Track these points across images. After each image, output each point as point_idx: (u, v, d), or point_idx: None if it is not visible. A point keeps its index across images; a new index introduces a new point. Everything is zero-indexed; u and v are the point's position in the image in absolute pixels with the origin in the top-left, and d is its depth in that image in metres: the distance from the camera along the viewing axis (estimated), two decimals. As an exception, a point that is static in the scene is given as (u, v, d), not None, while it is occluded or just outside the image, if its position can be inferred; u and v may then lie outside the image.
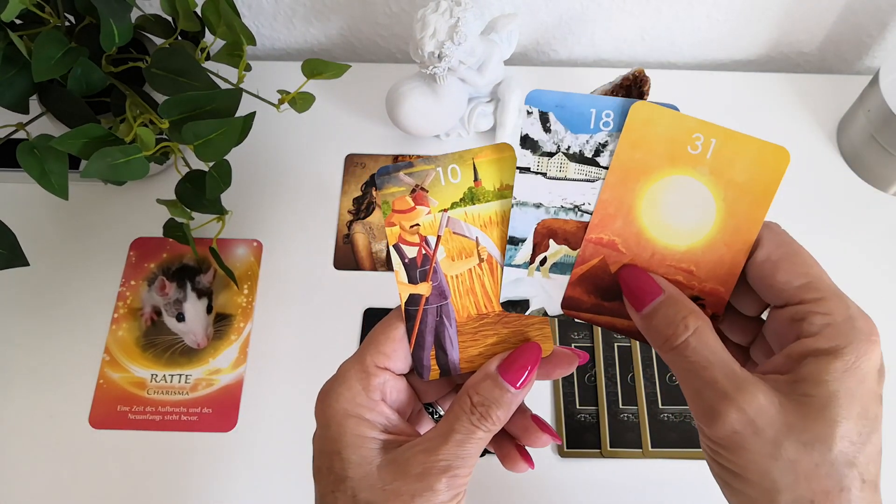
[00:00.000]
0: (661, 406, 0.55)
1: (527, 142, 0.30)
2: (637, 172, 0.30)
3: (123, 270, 0.61)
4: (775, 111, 0.70)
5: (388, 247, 0.30)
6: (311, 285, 0.61)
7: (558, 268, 0.31)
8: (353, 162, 0.67)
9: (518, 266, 0.32)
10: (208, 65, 0.55)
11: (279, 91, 0.54)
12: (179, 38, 0.55)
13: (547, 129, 0.30)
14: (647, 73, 0.62)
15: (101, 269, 0.61)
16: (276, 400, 0.56)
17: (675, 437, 0.54)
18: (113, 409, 0.55)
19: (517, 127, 0.68)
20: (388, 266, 0.62)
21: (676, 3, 0.70)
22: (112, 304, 0.59)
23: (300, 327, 0.59)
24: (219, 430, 0.55)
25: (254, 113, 0.52)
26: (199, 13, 0.54)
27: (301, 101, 0.55)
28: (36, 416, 0.55)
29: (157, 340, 0.58)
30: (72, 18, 0.53)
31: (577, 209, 0.31)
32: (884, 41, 0.74)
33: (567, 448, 0.54)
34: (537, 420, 0.33)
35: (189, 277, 0.60)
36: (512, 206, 0.31)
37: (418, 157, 0.30)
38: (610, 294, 0.31)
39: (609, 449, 0.53)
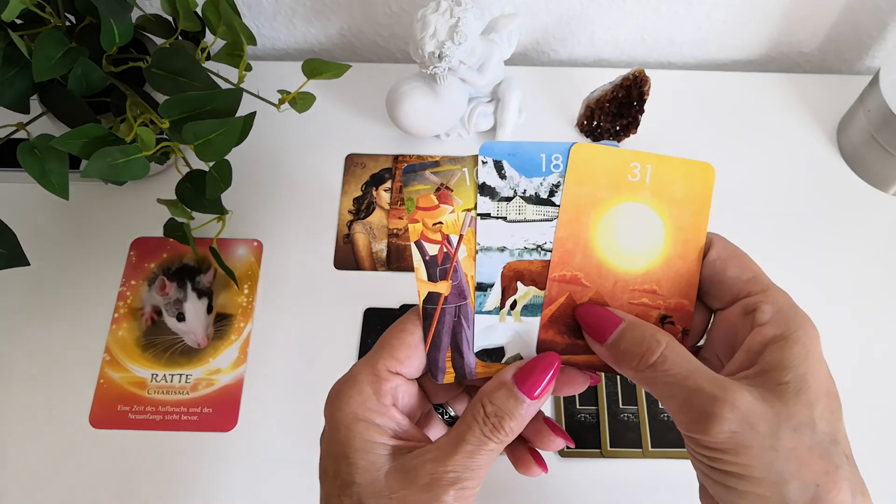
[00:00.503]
0: (661, 406, 0.55)
1: (485, 189, 0.31)
2: (587, 207, 0.31)
3: (124, 270, 0.61)
4: (775, 111, 0.71)
5: (408, 244, 0.32)
6: (312, 285, 0.61)
7: (529, 310, 0.32)
8: (353, 162, 0.67)
9: (489, 312, 0.32)
10: (208, 65, 0.55)
11: (279, 91, 0.55)
12: (180, 37, 0.55)
13: (502, 176, 0.31)
14: (647, 73, 0.62)
15: (102, 269, 0.61)
16: (277, 400, 0.56)
17: (675, 437, 0.54)
18: (113, 409, 0.55)
19: (517, 127, 0.68)
20: (388, 266, 0.62)
21: (676, 3, 0.70)
22: (112, 304, 0.59)
23: (300, 327, 0.59)
24: (219, 429, 0.55)
25: (254, 113, 0.52)
26: (200, 13, 0.54)
27: (301, 101, 0.55)
28: (36, 415, 0.55)
29: (158, 340, 0.58)
30: (72, 18, 0.53)
31: (539, 248, 0.32)
32: (884, 41, 0.74)
33: (567, 448, 0.54)
34: (550, 423, 0.33)
35: (189, 277, 0.60)
36: (476, 252, 0.32)
37: (444, 157, 0.32)
38: (582, 332, 0.32)
39: (609, 449, 0.53)
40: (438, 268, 0.32)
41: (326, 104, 0.69)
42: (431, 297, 0.32)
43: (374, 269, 0.62)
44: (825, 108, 0.70)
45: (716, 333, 0.31)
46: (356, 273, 0.61)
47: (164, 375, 0.56)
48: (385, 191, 0.65)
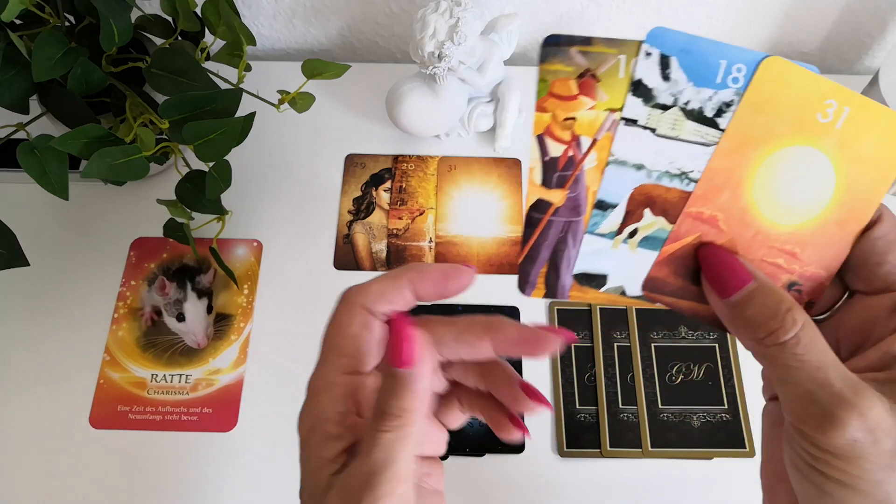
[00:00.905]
0: (660, 406, 0.55)
1: (639, 88, 0.25)
2: (756, 140, 0.25)
3: (123, 270, 0.61)
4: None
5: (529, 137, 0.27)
6: (311, 285, 0.61)
7: (649, 242, 0.27)
8: (353, 162, 0.67)
9: (602, 235, 0.27)
10: (208, 65, 0.55)
11: (279, 91, 0.55)
12: (179, 38, 0.56)
13: (666, 77, 0.25)
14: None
15: (102, 269, 0.61)
16: (276, 400, 0.56)
17: (675, 436, 0.54)
18: (113, 409, 0.55)
19: (517, 127, 0.68)
20: (388, 266, 0.62)
21: (676, 3, 0.70)
22: (112, 304, 0.59)
23: (300, 327, 0.59)
24: (219, 430, 0.55)
25: (254, 113, 0.52)
26: (199, 13, 0.54)
27: (301, 102, 0.55)
28: (36, 416, 0.55)
29: (158, 340, 0.58)
30: (72, 18, 0.53)
31: (684, 176, 0.26)
32: (883, 41, 0.74)
33: (567, 448, 0.54)
34: (526, 387, 0.29)
35: (189, 277, 0.60)
36: (608, 163, 0.26)
37: (602, 39, 0.24)
38: (700, 278, 0.28)
39: (609, 449, 0.53)
40: (558, 173, 0.27)
41: (326, 104, 0.69)
42: (540, 205, 0.27)
43: (374, 269, 0.62)
44: (825, 108, 0.70)
45: (847, 318, 0.27)
46: (356, 273, 0.61)
47: (164, 376, 0.56)
48: (385, 191, 0.65)
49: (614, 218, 0.27)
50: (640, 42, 0.25)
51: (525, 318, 0.59)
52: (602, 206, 0.27)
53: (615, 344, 0.58)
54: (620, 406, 0.55)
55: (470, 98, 0.66)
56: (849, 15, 0.71)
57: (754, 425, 0.55)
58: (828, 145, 0.26)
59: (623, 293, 0.28)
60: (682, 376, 0.56)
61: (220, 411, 0.55)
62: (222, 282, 0.60)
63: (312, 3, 0.71)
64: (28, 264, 0.50)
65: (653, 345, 0.58)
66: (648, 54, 0.25)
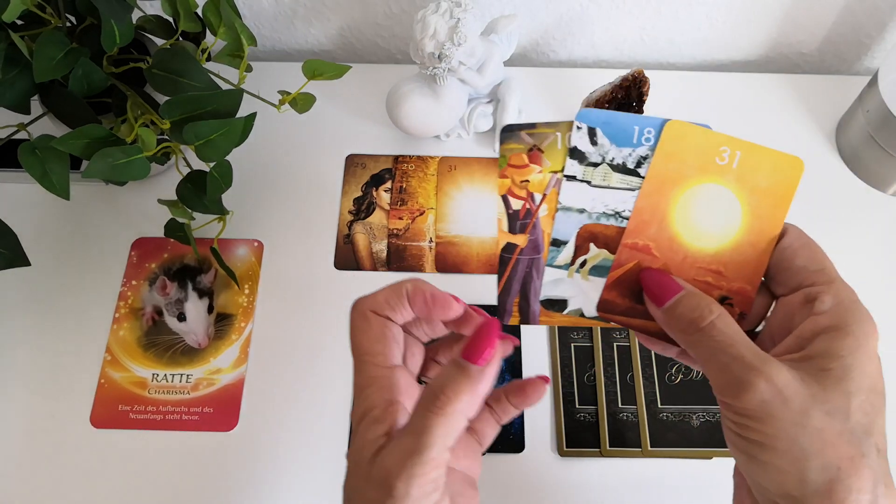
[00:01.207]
0: (660, 406, 0.55)
1: (575, 153, 0.33)
2: (671, 182, 0.32)
3: (125, 270, 0.61)
4: (774, 111, 0.71)
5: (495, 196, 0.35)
6: (312, 285, 0.61)
7: (597, 271, 0.34)
8: (353, 162, 0.67)
9: (559, 267, 0.34)
10: (209, 65, 0.55)
11: (280, 92, 0.55)
12: (180, 38, 0.56)
13: (594, 143, 0.33)
14: (647, 73, 0.62)
15: (103, 269, 0.61)
16: (277, 399, 0.56)
17: (675, 436, 0.54)
18: (114, 409, 0.55)
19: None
20: (388, 266, 0.62)
21: (676, 3, 0.70)
22: (113, 304, 0.59)
23: (301, 327, 0.59)
24: (220, 429, 0.55)
25: (255, 113, 0.52)
26: (200, 14, 0.55)
27: (302, 102, 0.55)
28: (37, 415, 0.55)
29: (159, 340, 0.58)
30: (73, 19, 0.53)
31: (617, 215, 0.33)
32: (883, 42, 0.74)
33: (566, 448, 0.54)
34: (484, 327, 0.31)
35: (190, 277, 0.60)
36: (557, 210, 0.33)
37: (542, 122, 0.33)
38: (642, 298, 0.33)
39: (608, 448, 0.54)
40: (519, 221, 0.34)
41: (327, 105, 0.69)
42: (508, 248, 0.34)
43: (375, 269, 0.62)
44: (824, 109, 0.70)
45: (774, 318, 0.32)
46: (356, 273, 0.62)
47: (165, 375, 0.57)
48: (385, 191, 0.66)
49: (567, 252, 0.34)
50: (571, 122, 0.33)
51: (525, 317, 0.59)
52: (556, 243, 0.34)
53: (615, 344, 0.58)
54: (620, 406, 0.55)
55: (470, 99, 0.66)
56: (848, 15, 0.71)
57: (754, 425, 0.55)
58: (729, 181, 0.32)
59: (582, 315, 0.34)
60: (681, 376, 0.57)
61: (220, 411, 0.55)
62: (223, 282, 0.60)
63: (313, 4, 0.71)
64: (29, 264, 0.50)
65: (652, 345, 0.58)
66: (579, 128, 0.33)
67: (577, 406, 0.55)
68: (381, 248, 0.63)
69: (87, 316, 0.59)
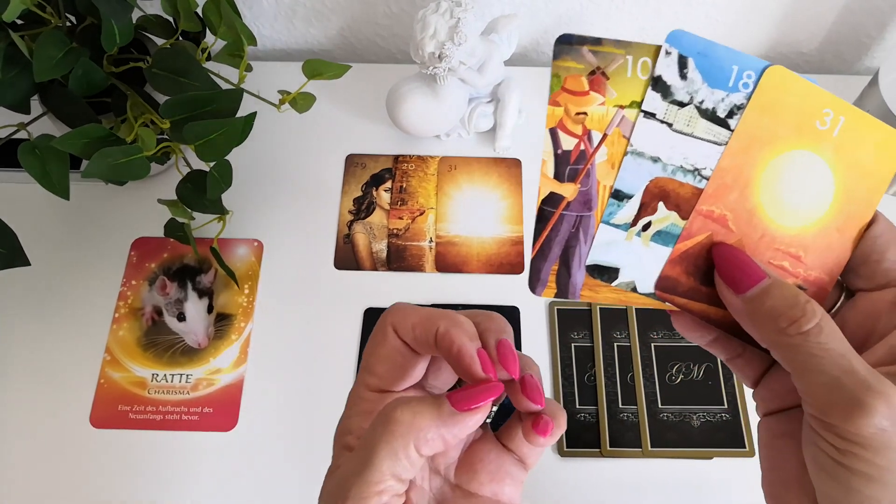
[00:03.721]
0: (660, 406, 0.55)
1: (659, 84, 0.26)
2: (761, 142, 0.27)
3: (124, 270, 0.61)
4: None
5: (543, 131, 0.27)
6: (312, 285, 0.61)
7: (661, 237, 0.28)
8: (353, 162, 0.67)
9: (617, 226, 0.28)
10: (209, 65, 0.55)
11: (280, 91, 0.55)
12: (180, 38, 0.56)
13: (683, 76, 0.26)
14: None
15: (102, 269, 0.61)
16: (277, 399, 0.56)
17: (675, 436, 0.54)
18: (114, 409, 0.55)
19: (517, 127, 0.68)
20: (388, 266, 0.62)
21: (676, 3, 0.70)
22: (113, 304, 0.59)
23: (301, 327, 0.59)
24: (219, 429, 0.55)
25: (254, 113, 0.52)
26: (200, 13, 0.54)
27: (302, 102, 0.55)
28: (37, 415, 0.55)
29: (158, 340, 0.58)
30: (73, 18, 0.53)
31: (697, 172, 0.27)
32: (883, 41, 0.74)
33: (567, 448, 0.54)
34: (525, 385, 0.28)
35: (190, 277, 0.60)
36: (626, 153, 0.27)
37: (611, 40, 0.26)
38: (711, 278, 0.28)
39: (609, 449, 0.54)
40: (569, 166, 0.27)
41: (326, 104, 0.69)
42: (552, 199, 0.27)
43: (375, 269, 0.62)
44: (824, 109, 0.70)
45: (851, 315, 0.28)
46: (356, 273, 0.62)
47: (165, 375, 0.56)
48: (385, 191, 0.65)
49: (630, 209, 0.28)
50: (646, 44, 0.26)
51: (525, 318, 0.59)
52: (619, 196, 0.27)
53: (615, 344, 0.58)
54: (620, 406, 0.55)
55: (470, 98, 0.66)
56: (848, 15, 0.71)
57: (754, 425, 0.55)
58: (826, 151, 0.27)
59: (634, 289, 0.29)
60: (681, 376, 0.57)
61: (220, 411, 0.55)
62: (223, 281, 0.60)
63: (313, 4, 0.71)
64: (29, 264, 0.50)
65: (653, 345, 0.58)
66: (668, 53, 0.26)
67: (578, 406, 0.55)
68: (381, 247, 0.63)
69: (87, 316, 0.59)
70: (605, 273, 0.28)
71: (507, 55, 0.64)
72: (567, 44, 0.26)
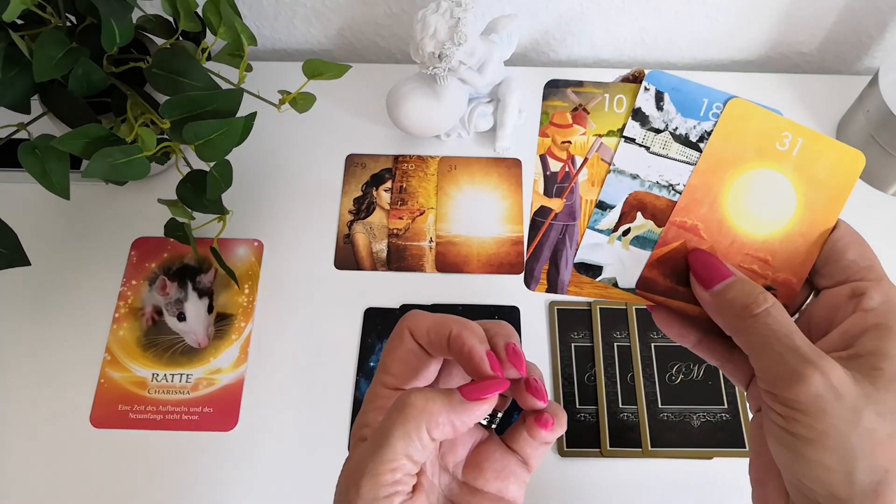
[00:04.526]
0: (660, 406, 0.55)
1: (638, 115, 0.31)
2: (727, 162, 0.31)
3: (124, 270, 0.61)
4: (774, 108, 0.71)
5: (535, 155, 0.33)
6: (312, 285, 0.61)
7: (639, 242, 0.32)
8: (353, 162, 0.67)
9: (601, 231, 0.33)
10: (209, 65, 0.55)
11: (280, 91, 0.55)
12: (180, 38, 0.56)
13: (660, 108, 0.31)
14: (647, 73, 0.62)
15: (102, 269, 0.61)
16: (277, 399, 0.56)
17: (675, 436, 0.54)
18: (114, 409, 0.55)
19: (517, 127, 0.68)
20: (388, 266, 0.62)
21: (676, 3, 0.70)
22: (113, 304, 0.59)
23: (301, 327, 0.59)
24: (219, 429, 0.55)
25: (255, 113, 0.52)
26: (200, 13, 0.54)
27: (302, 102, 0.55)
28: (37, 415, 0.55)
29: (158, 340, 0.58)
30: (73, 18, 0.53)
31: (671, 187, 0.32)
32: (883, 41, 0.74)
33: (567, 448, 0.54)
34: (530, 386, 0.32)
35: (190, 277, 0.60)
36: (609, 171, 0.32)
37: (591, 82, 0.32)
38: (685, 279, 0.32)
39: (609, 448, 0.54)
40: (556, 185, 0.32)
41: (327, 104, 0.69)
42: (542, 211, 0.33)
43: (375, 269, 0.62)
44: (824, 109, 0.70)
45: (815, 310, 0.31)
46: (356, 273, 0.62)
47: (165, 375, 0.56)
48: (385, 191, 0.65)
49: (611, 217, 0.32)
50: (621, 84, 0.32)
51: (525, 317, 0.59)
52: (602, 206, 0.32)
53: (615, 344, 0.58)
54: (620, 406, 0.55)
55: (470, 98, 0.66)
56: (848, 15, 0.71)
57: (754, 425, 0.55)
58: (787, 169, 0.31)
59: (615, 284, 0.33)
60: (681, 376, 0.57)
61: (220, 411, 0.55)
62: (223, 281, 0.60)
63: (313, 4, 0.71)
64: (29, 264, 0.50)
65: (653, 345, 0.58)
66: (647, 89, 0.31)
67: (578, 406, 0.55)
68: (381, 247, 0.63)
69: (87, 316, 0.59)
70: (591, 270, 0.33)
71: (507, 55, 0.64)
72: (554, 87, 0.32)
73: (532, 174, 0.67)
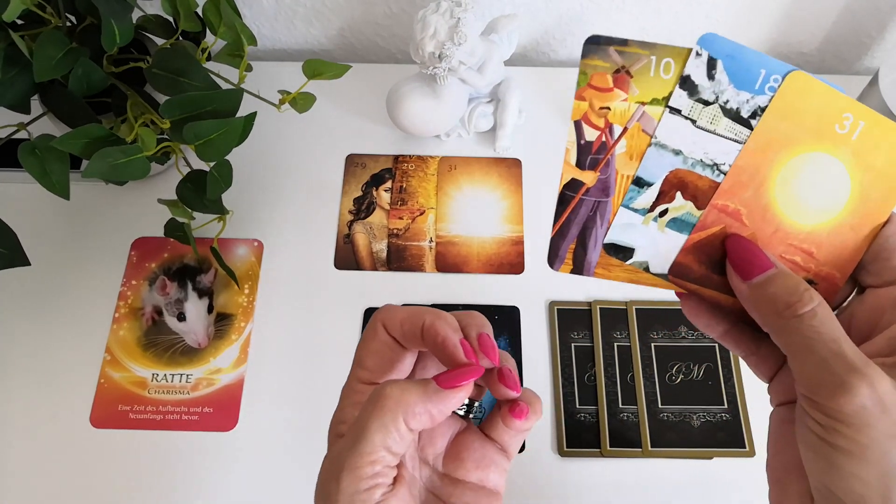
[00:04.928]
0: (660, 406, 0.55)
1: (686, 83, 0.28)
2: (779, 143, 0.28)
3: (124, 270, 0.61)
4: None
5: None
6: (312, 285, 0.61)
7: (676, 224, 0.30)
8: (353, 162, 0.67)
9: (635, 210, 0.30)
10: (209, 65, 0.55)
11: (280, 91, 0.55)
12: (180, 38, 0.56)
13: (711, 77, 0.28)
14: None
15: (103, 269, 0.61)
16: (277, 399, 0.56)
17: (675, 436, 0.54)
18: (114, 409, 0.55)
19: (517, 127, 0.68)
20: (388, 266, 0.62)
21: (676, 3, 0.70)
22: (113, 304, 0.59)
23: (301, 327, 0.59)
24: (219, 429, 0.55)
25: (255, 113, 0.52)
26: (200, 13, 0.54)
27: (302, 102, 0.55)
28: (37, 415, 0.55)
29: (158, 340, 0.58)
30: (73, 18, 0.53)
31: (715, 167, 0.29)
32: (883, 42, 0.74)
33: (567, 448, 0.54)
34: (502, 375, 0.31)
35: (190, 277, 0.60)
36: (650, 145, 0.29)
37: (637, 41, 0.28)
38: (721, 267, 0.30)
39: (609, 448, 0.54)
40: (591, 156, 0.29)
41: (327, 104, 0.69)
42: (573, 184, 0.30)
43: (375, 269, 0.62)
44: (824, 109, 0.70)
45: (858, 309, 0.29)
46: (356, 273, 0.62)
47: (165, 375, 0.56)
48: (385, 191, 0.65)
49: (649, 195, 0.30)
50: (670, 46, 0.28)
51: (525, 318, 0.59)
52: (639, 182, 0.30)
53: (615, 344, 0.58)
54: (620, 406, 0.55)
55: (470, 98, 0.66)
56: (848, 15, 0.71)
57: (754, 425, 0.55)
58: (844, 154, 0.28)
59: (647, 269, 0.31)
60: (681, 376, 0.57)
61: (220, 411, 0.55)
62: (223, 281, 0.60)
63: (313, 4, 0.71)
64: (29, 264, 0.50)
65: (653, 344, 0.58)
66: (699, 55, 0.28)
67: (578, 406, 0.55)
68: (381, 247, 0.63)
69: (87, 316, 0.59)
70: (621, 252, 0.31)
71: (507, 55, 0.64)
72: (595, 44, 0.28)
73: (533, 174, 0.67)
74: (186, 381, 0.56)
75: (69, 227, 0.63)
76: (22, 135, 0.52)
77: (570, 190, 0.30)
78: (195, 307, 0.59)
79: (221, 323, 0.59)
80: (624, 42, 0.27)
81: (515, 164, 0.67)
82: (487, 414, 0.33)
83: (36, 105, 0.53)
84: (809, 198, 0.29)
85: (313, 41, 0.76)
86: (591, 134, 0.29)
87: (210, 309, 0.59)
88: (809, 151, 0.28)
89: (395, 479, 0.28)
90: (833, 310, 0.30)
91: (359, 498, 0.27)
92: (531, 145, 0.68)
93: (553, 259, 0.31)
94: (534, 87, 0.71)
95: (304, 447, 0.54)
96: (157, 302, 0.59)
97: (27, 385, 0.56)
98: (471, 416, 0.34)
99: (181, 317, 0.58)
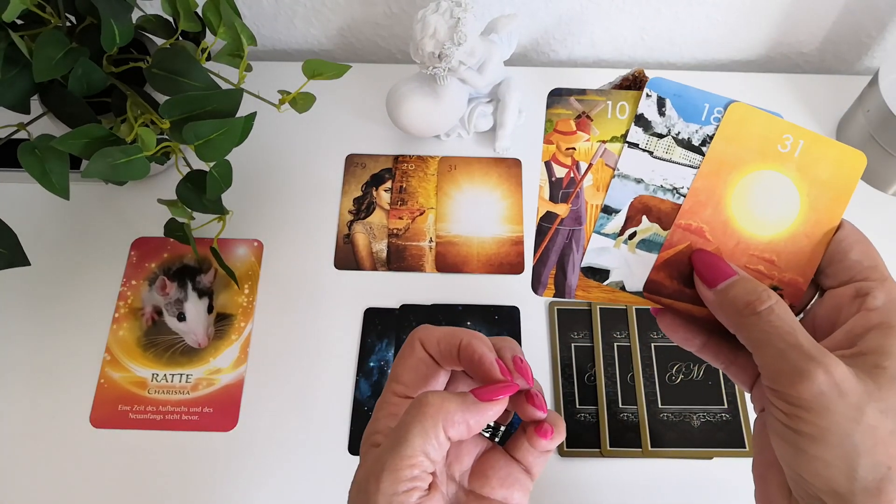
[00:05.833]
0: (660, 406, 0.55)
1: (641, 120, 0.32)
2: (730, 165, 0.32)
3: (124, 270, 0.61)
4: (775, 111, 0.71)
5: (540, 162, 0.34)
6: (312, 285, 0.61)
7: (645, 245, 0.33)
8: (353, 162, 0.67)
9: (607, 235, 0.33)
10: (209, 65, 0.55)
11: (280, 91, 0.55)
12: (180, 38, 0.56)
13: (662, 114, 0.32)
14: (647, 73, 0.62)
15: (102, 269, 0.61)
16: (277, 399, 0.56)
17: (675, 436, 0.54)
18: (114, 409, 0.55)
19: (517, 127, 0.68)
20: (388, 266, 0.62)
21: (676, 3, 0.70)
22: (113, 304, 0.59)
23: (301, 327, 0.59)
24: (219, 429, 0.55)
25: (254, 113, 0.52)
26: (200, 13, 0.54)
27: (302, 102, 0.55)
28: (37, 415, 0.55)
29: (158, 340, 0.58)
30: (73, 19, 0.53)
31: (675, 191, 0.32)
32: (883, 41, 0.74)
33: (567, 448, 0.54)
34: (530, 397, 0.33)
35: (190, 277, 0.60)
36: (613, 176, 0.33)
37: (593, 90, 0.33)
38: (692, 281, 0.32)
39: (609, 449, 0.54)
40: (562, 190, 0.33)
41: (326, 104, 0.69)
42: (548, 217, 0.33)
43: (374, 269, 0.62)
44: (824, 109, 0.70)
45: (819, 310, 0.32)
46: (356, 273, 0.62)
47: (165, 375, 0.56)
48: (385, 191, 0.65)
49: (617, 221, 0.33)
50: (623, 91, 0.32)
51: (525, 318, 0.59)
52: (608, 210, 0.33)
53: (615, 344, 0.58)
54: (620, 406, 0.55)
55: (470, 98, 0.66)
56: (848, 16, 0.71)
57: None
58: (789, 170, 0.32)
59: (623, 288, 0.33)
60: (681, 376, 0.57)
61: (220, 411, 0.55)
62: (223, 281, 0.60)
63: (313, 4, 0.71)
64: (29, 264, 0.50)
65: (653, 345, 0.58)
66: (649, 96, 0.32)
67: (578, 406, 0.55)
68: (381, 247, 0.63)
69: (87, 316, 0.59)
70: (598, 274, 0.33)
71: (507, 55, 0.64)
72: (557, 95, 0.33)
73: (533, 174, 0.67)
74: (186, 382, 0.56)
75: (69, 227, 0.63)
76: (22, 135, 0.52)
77: (546, 221, 0.33)
78: (195, 307, 0.59)
79: (221, 323, 0.59)
80: (582, 92, 0.32)
81: (515, 164, 0.67)
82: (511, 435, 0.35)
83: (36, 105, 0.53)
84: (764, 211, 0.32)
85: (313, 41, 0.76)
86: (560, 171, 0.33)
87: (210, 309, 0.59)
88: (758, 170, 0.32)
89: (430, 486, 0.29)
90: (799, 313, 0.33)
91: (397, 499, 0.28)
92: (531, 145, 0.68)
93: (537, 285, 0.34)
94: (534, 87, 0.71)
95: (304, 447, 0.54)
96: (157, 302, 0.59)
97: (27, 385, 0.56)
98: (496, 439, 0.35)
99: (181, 317, 0.58)
